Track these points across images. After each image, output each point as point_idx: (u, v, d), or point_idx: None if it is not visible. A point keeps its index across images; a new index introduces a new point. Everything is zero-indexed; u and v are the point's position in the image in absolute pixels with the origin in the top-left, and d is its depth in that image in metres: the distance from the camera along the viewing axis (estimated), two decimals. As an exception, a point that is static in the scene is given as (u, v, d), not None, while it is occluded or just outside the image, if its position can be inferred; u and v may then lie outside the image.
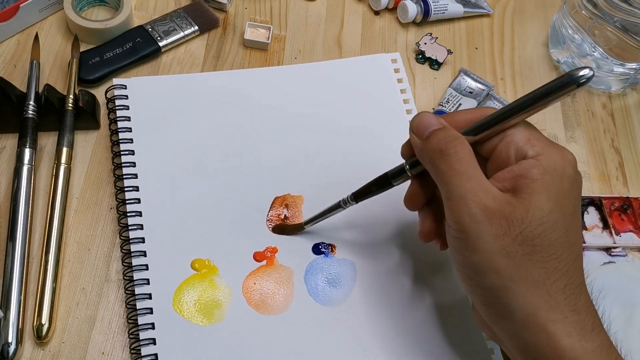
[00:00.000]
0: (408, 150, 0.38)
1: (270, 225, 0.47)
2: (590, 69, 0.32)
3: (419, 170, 0.38)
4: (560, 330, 0.32)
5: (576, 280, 0.33)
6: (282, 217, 0.47)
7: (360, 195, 0.42)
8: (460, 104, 0.54)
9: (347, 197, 0.42)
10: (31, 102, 0.48)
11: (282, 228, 0.47)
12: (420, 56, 0.59)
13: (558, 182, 0.33)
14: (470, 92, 0.56)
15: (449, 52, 0.59)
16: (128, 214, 0.46)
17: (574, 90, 0.32)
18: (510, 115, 0.34)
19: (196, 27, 0.56)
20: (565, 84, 0.32)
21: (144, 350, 0.41)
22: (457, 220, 0.33)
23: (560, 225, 0.32)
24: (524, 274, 0.32)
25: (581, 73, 0.32)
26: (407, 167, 0.39)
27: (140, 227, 0.45)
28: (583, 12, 0.56)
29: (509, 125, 0.35)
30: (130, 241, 0.44)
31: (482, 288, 0.34)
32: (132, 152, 0.48)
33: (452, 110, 0.54)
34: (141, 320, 0.42)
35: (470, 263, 0.33)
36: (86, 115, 0.49)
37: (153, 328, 0.42)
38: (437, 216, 0.39)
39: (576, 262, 0.33)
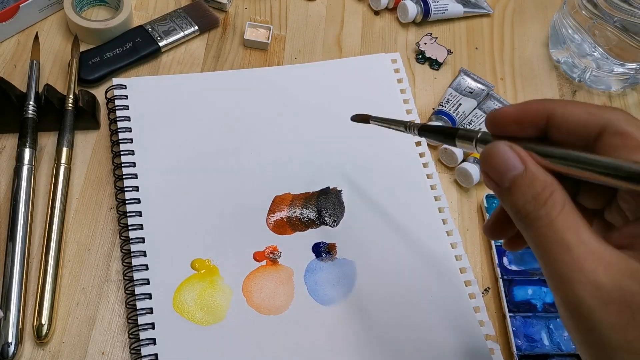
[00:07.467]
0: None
1: (271, 225, 0.47)
2: None
3: None
4: None
5: None
6: (285, 218, 0.48)
7: (425, 130, 0.36)
8: (460, 104, 0.54)
9: (414, 125, 0.37)
10: (31, 102, 0.48)
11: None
12: (420, 56, 0.59)
13: None
14: (470, 92, 0.56)
15: (449, 52, 0.59)
16: (128, 214, 0.46)
17: None
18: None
19: (196, 27, 0.56)
20: None
21: (144, 350, 0.41)
22: (563, 304, 0.25)
23: None
24: None
25: None
26: (476, 141, 0.31)
27: (140, 227, 0.45)
28: (583, 12, 0.56)
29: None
30: (130, 241, 0.44)
31: None
32: (132, 152, 0.48)
33: (452, 111, 0.54)
34: (141, 320, 0.42)
35: (587, 356, 0.26)
36: (86, 115, 0.49)
37: (153, 328, 0.42)
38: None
39: None
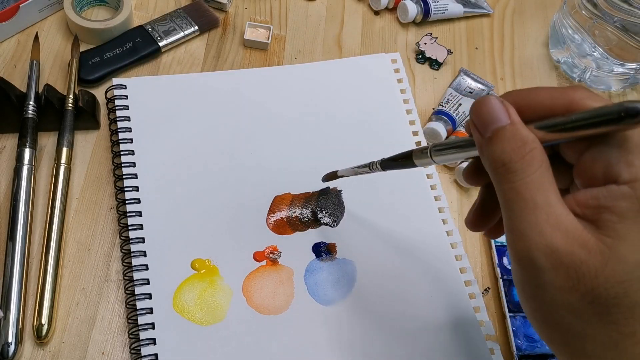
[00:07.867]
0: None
1: (271, 225, 0.47)
2: None
3: (445, 162, 0.33)
4: None
5: None
6: (286, 217, 0.48)
7: (386, 162, 0.39)
8: (460, 104, 0.54)
9: (376, 162, 0.40)
10: (31, 102, 0.48)
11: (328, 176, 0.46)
12: (420, 56, 0.59)
13: None
14: (470, 92, 0.56)
15: (449, 52, 0.59)
16: (128, 214, 0.46)
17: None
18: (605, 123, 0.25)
19: (196, 27, 0.56)
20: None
21: (144, 350, 0.41)
22: (516, 259, 0.27)
23: None
24: (590, 333, 0.26)
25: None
26: (430, 151, 0.33)
27: (140, 227, 0.45)
28: (583, 12, 0.56)
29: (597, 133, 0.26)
30: (130, 241, 0.44)
31: (542, 334, 0.29)
32: (132, 152, 0.48)
33: (452, 111, 0.54)
34: (141, 320, 0.42)
35: (530, 309, 0.28)
36: (86, 115, 0.49)
37: (153, 328, 0.42)
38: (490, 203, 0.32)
39: None
